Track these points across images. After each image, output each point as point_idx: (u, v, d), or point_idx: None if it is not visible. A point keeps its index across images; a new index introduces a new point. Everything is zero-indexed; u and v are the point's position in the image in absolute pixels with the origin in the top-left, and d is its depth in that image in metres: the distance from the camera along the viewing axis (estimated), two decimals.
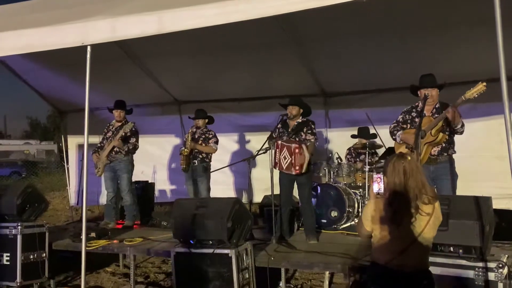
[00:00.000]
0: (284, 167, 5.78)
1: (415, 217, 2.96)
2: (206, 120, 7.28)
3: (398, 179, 2.99)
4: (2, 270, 5.49)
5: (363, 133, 7.32)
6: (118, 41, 6.19)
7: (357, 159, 7.38)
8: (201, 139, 7.13)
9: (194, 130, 7.24)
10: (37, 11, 5.50)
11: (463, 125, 5.06)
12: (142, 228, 7.05)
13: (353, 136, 7.44)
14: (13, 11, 5.88)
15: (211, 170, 7.22)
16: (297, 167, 5.66)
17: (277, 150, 5.82)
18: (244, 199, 8.06)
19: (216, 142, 7.15)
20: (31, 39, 4.78)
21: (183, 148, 7.15)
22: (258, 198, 8.14)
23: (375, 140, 7.23)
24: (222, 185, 8.23)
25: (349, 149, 7.60)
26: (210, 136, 7.16)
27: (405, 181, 2.98)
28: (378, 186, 3.04)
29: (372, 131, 7.24)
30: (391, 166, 3.05)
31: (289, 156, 5.68)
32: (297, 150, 5.62)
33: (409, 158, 3.06)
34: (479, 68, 5.58)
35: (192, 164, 7.11)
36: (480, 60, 5.94)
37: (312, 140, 5.91)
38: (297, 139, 5.90)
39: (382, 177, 3.04)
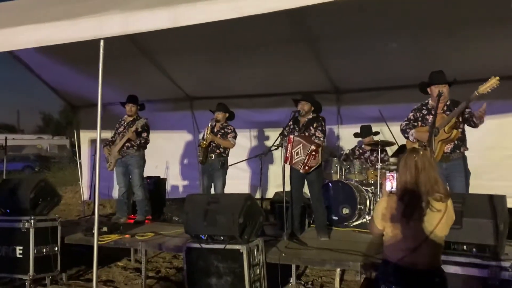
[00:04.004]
0: (294, 162, 5.75)
1: (426, 211, 2.93)
2: (227, 115, 7.14)
3: (410, 173, 2.98)
4: (15, 263, 5.54)
5: (364, 131, 7.29)
6: (132, 37, 6.26)
7: (362, 157, 7.31)
8: (220, 133, 7.03)
9: (214, 123, 7.12)
10: (51, 5, 5.52)
11: (483, 121, 5.03)
12: (154, 223, 7.07)
13: (355, 135, 7.42)
14: (28, 5, 5.92)
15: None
16: (306, 167, 5.65)
17: (289, 144, 5.76)
18: (259, 195, 8.03)
19: (235, 137, 7.03)
20: (45, 33, 4.80)
21: (202, 140, 7.08)
22: (272, 194, 8.12)
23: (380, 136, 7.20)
24: (237, 181, 8.19)
25: (352, 149, 7.54)
26: (229, 131, 7.05)
27: (416, 176, 2.96)
28: (391, 184, 3.02)
29: (384, 128, 7.20)
30: (403, 162, 3.05)
31: (302, 155, 5.64)
32: (313, 153, 5.58)
33: (422, 153, 3.04)
34: (494, 65, 5.51)
35: (209, 158, 7.02)
36: (495, 58, 5.87)
37: (321, 138, 5.87)
38: (306, 133, 5.87)
39: (395, 176, 3.02)
